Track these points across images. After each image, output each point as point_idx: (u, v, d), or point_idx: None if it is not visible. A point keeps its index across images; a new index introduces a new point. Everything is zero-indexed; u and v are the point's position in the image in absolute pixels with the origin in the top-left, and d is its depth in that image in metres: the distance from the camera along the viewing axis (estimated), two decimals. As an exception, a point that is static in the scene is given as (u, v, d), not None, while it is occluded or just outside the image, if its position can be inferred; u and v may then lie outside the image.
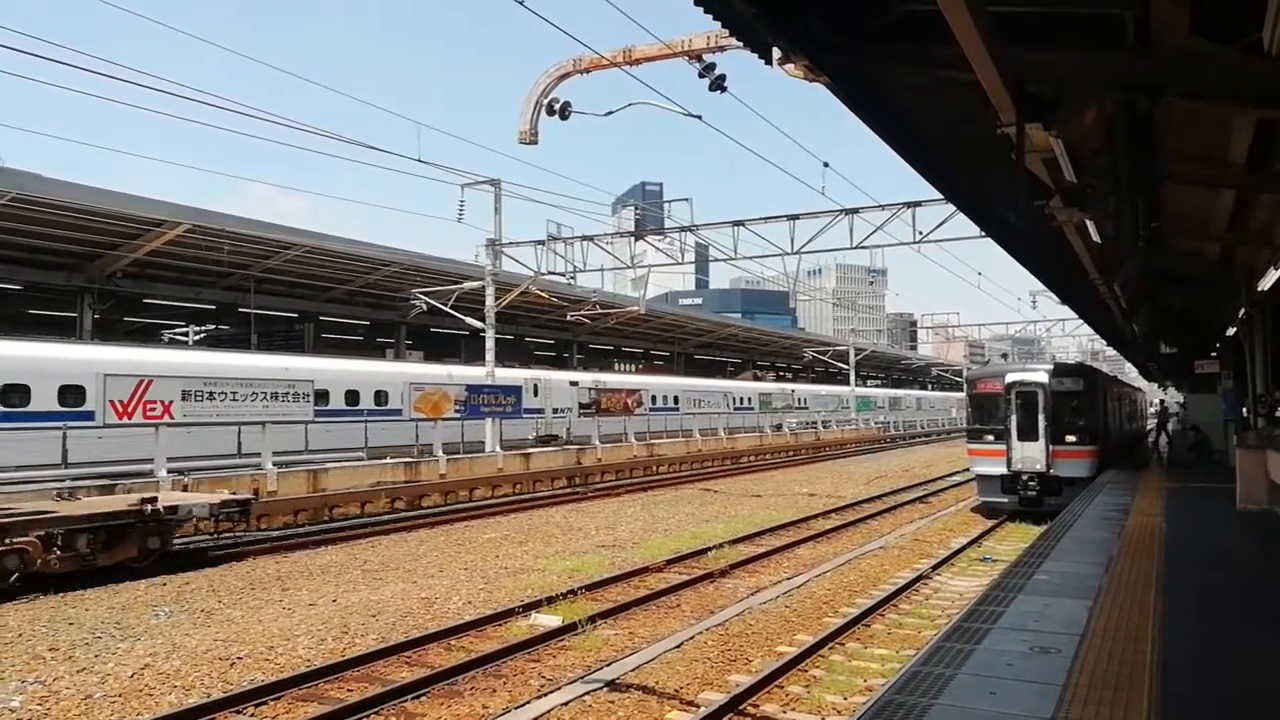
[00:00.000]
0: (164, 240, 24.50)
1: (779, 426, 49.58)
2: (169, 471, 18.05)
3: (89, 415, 18.69)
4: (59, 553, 12.26)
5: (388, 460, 23.56)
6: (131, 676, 8.31)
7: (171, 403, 18.29)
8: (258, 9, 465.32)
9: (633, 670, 8.32)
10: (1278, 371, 17.12)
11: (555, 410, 34.87)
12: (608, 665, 8.52)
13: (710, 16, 5.82)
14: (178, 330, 37.31)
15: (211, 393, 19.20)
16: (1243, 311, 15.78)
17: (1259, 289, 12.92)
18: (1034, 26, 5.67)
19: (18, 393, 19.66)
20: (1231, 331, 19.61)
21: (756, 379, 61.03)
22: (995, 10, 4.94)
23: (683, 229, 28.46)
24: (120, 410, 17.51)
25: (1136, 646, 6.07)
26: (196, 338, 37.45)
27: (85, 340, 25.25)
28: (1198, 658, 5.94)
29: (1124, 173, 6.28)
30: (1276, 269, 11.01)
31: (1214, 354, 25.91)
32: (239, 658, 8.95)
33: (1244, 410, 20.99)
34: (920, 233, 23.77)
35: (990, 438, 20.19)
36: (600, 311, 38.65)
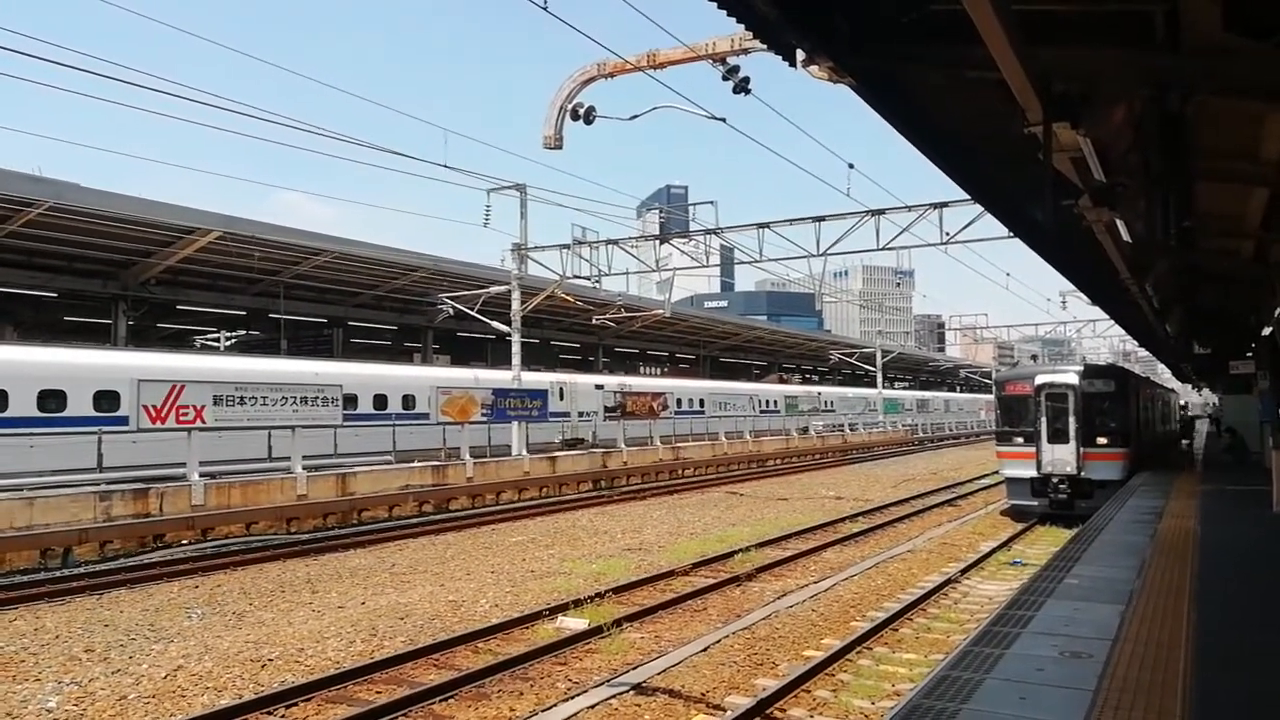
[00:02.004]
0: (196, 247, 24.86)
1: (805, 429, 49.35)
2: (201, 475, 18.31)
3: (123, 420, 18.95)
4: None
5: (415, 464, 23.73)
6: (165, 678, 8.44)
7: (203, 407, 18.47)
8: (287, 18, 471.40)
9: (659, 674, 8.32)
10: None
11: (581, 414, 34.93)
12: (634, 669, 8.53)
13: (734, 19, 5.82)
14: (209, 336, 37.82)
15: (242, 397, 19.38)
16: (1278, 311, 15.50)
17: (1295, 288, 12.70)
18: (1060, 24, 5.61)
19: (55, 398, 20.03)
20: (1267, 331, 19.27)
21: (782, 381, 60.83)
22: (1020, 8, 4.90)
23: (707, 232, 28.42)
24: (153, 415, 17.71)
25: (1170, 653, 5.97)
26: (228, 343, 37.94)
27: (120, 346, 25.66)
28: (1233, 665, 5.83)
29: (1155, 171, 6.20)
30: (1313, 267, 10.82)
31: (1249, 354, 25.45)
32: (270, 659, 9.05)
33: (1281, 411, 20.59)
34: (947, 233, 23.55)
35: (1020, 440, 19.97)
36: (625, 315, 38.65)
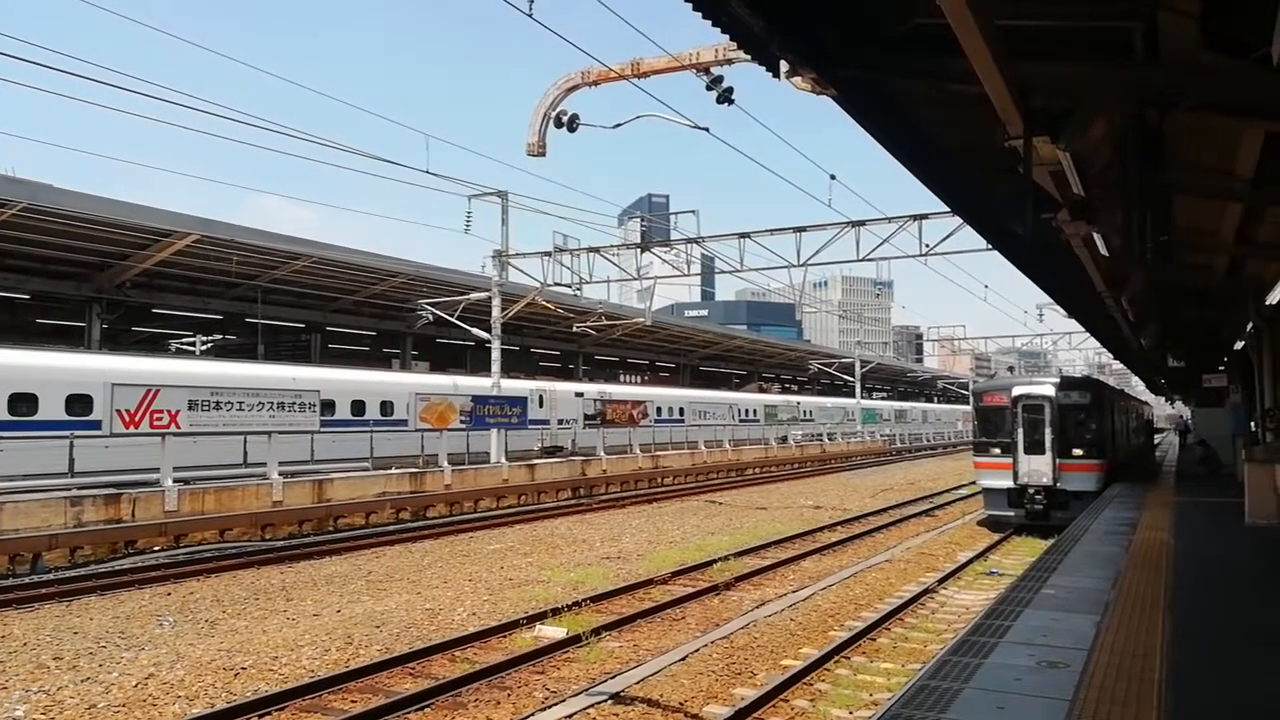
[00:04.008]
0: (172, 251, 24.61)
1: (784, 439, 49.47)
2: (175, 481, 18.08)
3: (96, 424, 18.70)
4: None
5: (393, 471, 23.56)
6: (135, 686, 8.30)
7: (178, 412, 18.26)
8: (266, 22, 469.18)
9: (637, 683, 8.28)
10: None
11: (561, 421, 34.84)
12: (612, 678, 8.49)
13: (719, 30, 5.84)
14: (185, 340, 37.42)
15: (218, 402, 19.17)
16: (1251, 325, 15.74)
17: (1267, 302, 12.89)
18: (1041, 40, 5.67)
19: (26, 402, 19.72)
20: (1240, 345, 19.55)
21: (762, 391, 60.97)
22: (1003, 24, 4.94)
23: (689, 241, 28.51)
24: (127, 419, 17.48)
25: (1145, 662, 6.02)
26: (204, 348, 37.56)
27: (93, 350, 25.33)
28: (1206, 675, 5.89)
29: (1132, 185, 6.27)
30: (1285, 283, 10.99)
31: (1222, 368, 25.83)
32: (243, 668, 8.93)
33: (1252, 424, 20.91)
34: (927, 245, 23.71)
35: (997, 451, 20.11)
36: (606, 323, 38.63)
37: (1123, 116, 6.02)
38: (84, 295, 26.17)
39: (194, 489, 18.34)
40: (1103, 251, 9.92)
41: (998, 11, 4.81)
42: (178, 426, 18.29)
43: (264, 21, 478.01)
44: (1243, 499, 13.64)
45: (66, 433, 18.57)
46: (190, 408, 18.54)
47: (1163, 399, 69.06)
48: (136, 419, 17.62)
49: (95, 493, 16.87)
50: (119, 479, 18.14)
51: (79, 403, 20.26)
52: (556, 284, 29.81)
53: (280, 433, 20.58)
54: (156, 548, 16.61)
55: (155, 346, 34.62)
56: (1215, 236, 11.26)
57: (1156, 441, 52.05)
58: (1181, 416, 57.68)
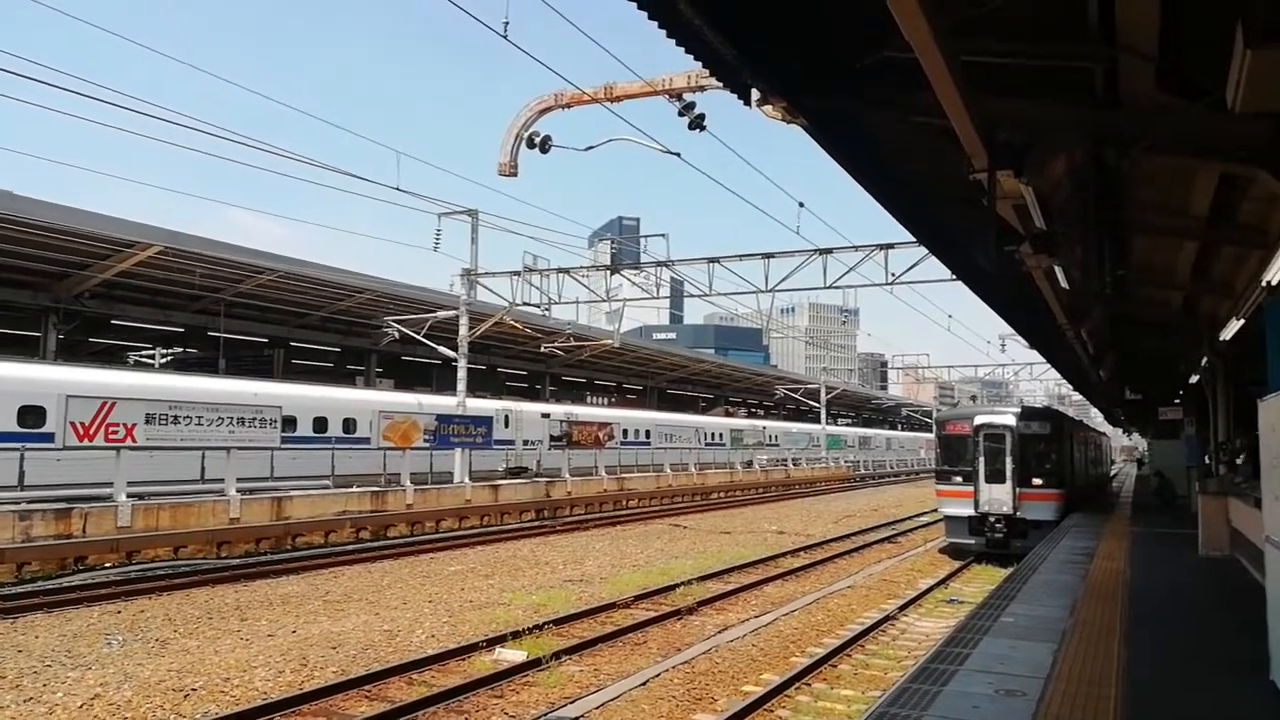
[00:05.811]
0: (134, 261, 24.22)
1: (749, 463, 49.60)
2: (129, 496, 17.70)
3: (48, 437, 18.28)
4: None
5: (354, 489, 23.26)
6: (81, 707, 8.07)
7: (135, 426, 17.89)
8: (240, 35, 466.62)
9: (597, 708, 8.20)
10: (1239, 419, 17.42)
11: (526, 442, 34.65)
12: (572, 702, 8.41)
13: (692, 57, 5.90)
14: (144, 353, 36.77)
15: (176, 417, 18.83)
16: (1205, 360, 16.07)
17: (1221, 338, 13.18)
18: (1006, 76, 5.80)
19: (-26, 412, 19.22)
20: (1194, 379, 19.96)
21: (728, 415, 61.15)
22: (969, 59, 5.05)
23: (658, 264, 28.62)
24: (81, 432, 17.09)
25: (1100, 691, 6.08)
26: (163, 360, 36.91)
27: (48, 361, 24.79)
28: (1161, 704, 5.96)
29: (1092, 221, 6.42)
30: (1237, 319, 11.26)
31: (1177, 401, 26.33)
32: (193, 689, 8.71)
33: (1206, 457, 21.34)
34: (893, 274, 24.05)
35: (958, 479, 20.31)
36: (574, 344, 38.61)
37: (1082, 154, 6.16)
38: (40, 305, 25.63)
39: (148, 504, 17.96)
40: (1063, 284, 10.11)
41: (963, 47, 4.91)
42: (134, 440, 17.92)
43: (234, 33, 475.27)
44: (1196, 530, 13.89)
45: (17, 445, 18.13)
46: (147, 421, 18.19)
47: (1120, 430, 70.26)
48: (91, 432, 17.25)
49: (45, 507, 16.46)
50: (71, 493, 17.72)
51: (31, 414, 19.78)
52: (525, 304, 29.78)
53: (239, 448, 20.25)
54: (108, 564, 16.22)
55: (113, 359, 33.96)
56: (1171, 273, 11.54)
57: (1113, 473, 52.89)
58: (1137, 448, 58.84)
